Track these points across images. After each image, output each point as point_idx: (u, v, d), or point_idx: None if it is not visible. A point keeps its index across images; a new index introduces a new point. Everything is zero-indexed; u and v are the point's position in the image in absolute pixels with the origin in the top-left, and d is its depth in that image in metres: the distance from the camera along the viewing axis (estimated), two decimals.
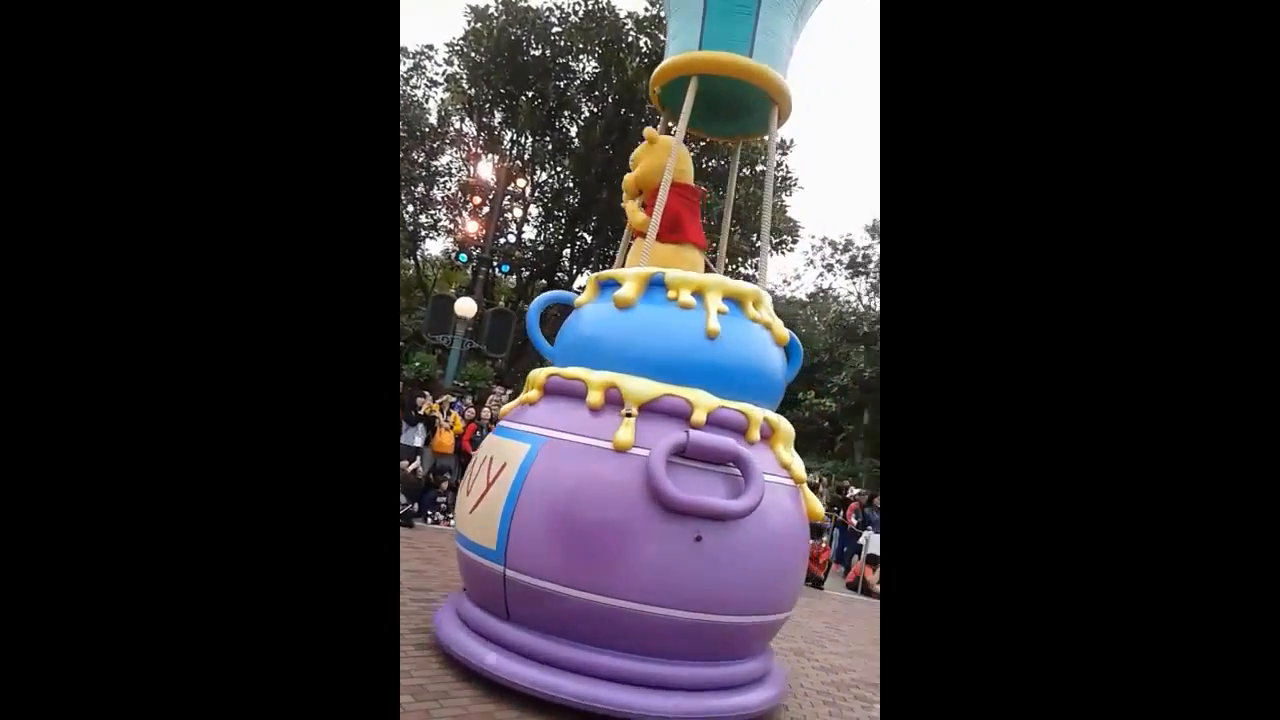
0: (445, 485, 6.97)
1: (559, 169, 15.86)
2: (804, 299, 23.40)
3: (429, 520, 6.79)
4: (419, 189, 15.64)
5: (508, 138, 15.33)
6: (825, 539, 8.61)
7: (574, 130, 15.05)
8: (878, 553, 8.43)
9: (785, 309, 16.21)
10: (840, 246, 22.93)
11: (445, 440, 7.03)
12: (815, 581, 7.98)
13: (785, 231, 15.55)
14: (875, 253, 21.82)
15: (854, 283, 22.89)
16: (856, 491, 11.67)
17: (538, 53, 14.08)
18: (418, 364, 10.50)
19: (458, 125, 16.10)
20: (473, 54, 14.42)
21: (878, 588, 8.19)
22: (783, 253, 16.26)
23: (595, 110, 14.69)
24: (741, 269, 14.35)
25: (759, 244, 5.40)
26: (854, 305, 22.01)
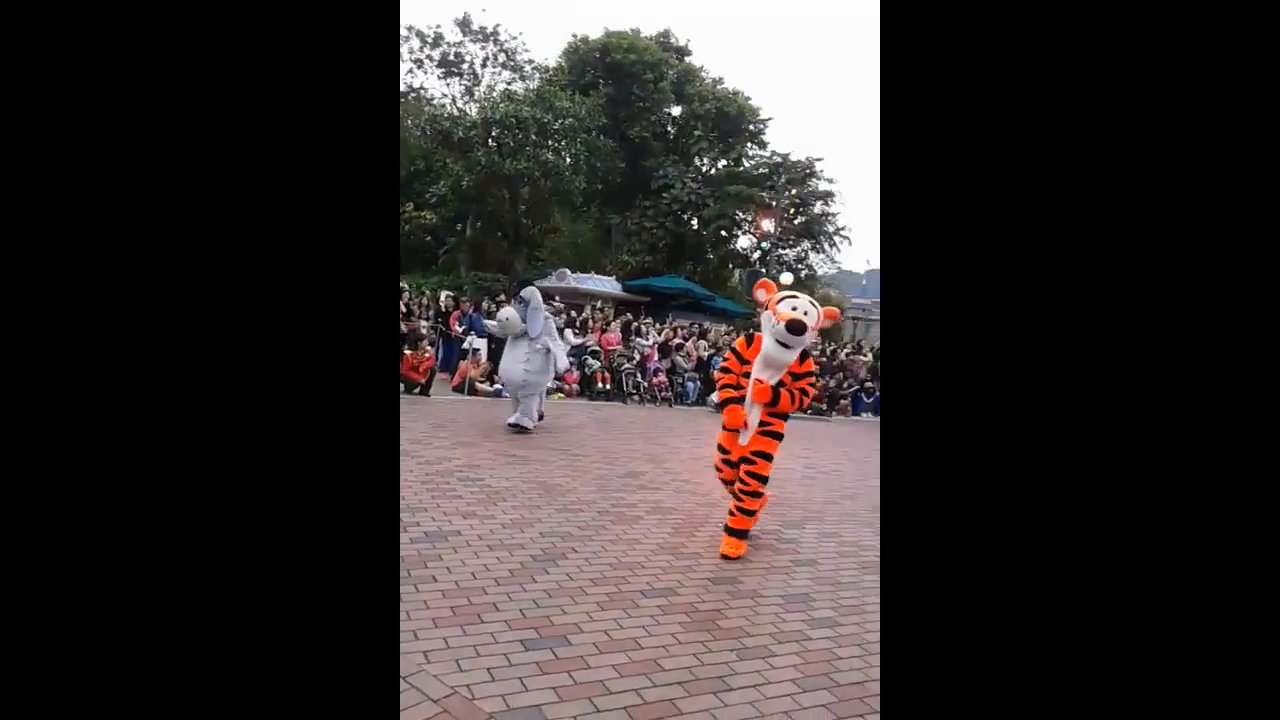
0: None
1: None
2: None
3: None
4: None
5: None
6: (428, 347, 8.86)
7: None
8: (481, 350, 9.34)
9: None
10: (430, 40, 20.87)
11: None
12: (422, 389, 8.08)
13: None
14: (468, 51, 20.71)
15: (447, 84, 21.61)
16: (464, 299, 11.40)
17: None
18: None
19: None
20: None
21: (482, 385, 8.77)
22: None
23: None
24: None
25: None
26: (449, 109, 20.19)
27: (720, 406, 3.93)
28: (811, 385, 3.95)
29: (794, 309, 3.68)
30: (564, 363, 7.22)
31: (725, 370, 3.95)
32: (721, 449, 3.94)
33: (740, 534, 3.82)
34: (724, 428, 3.91)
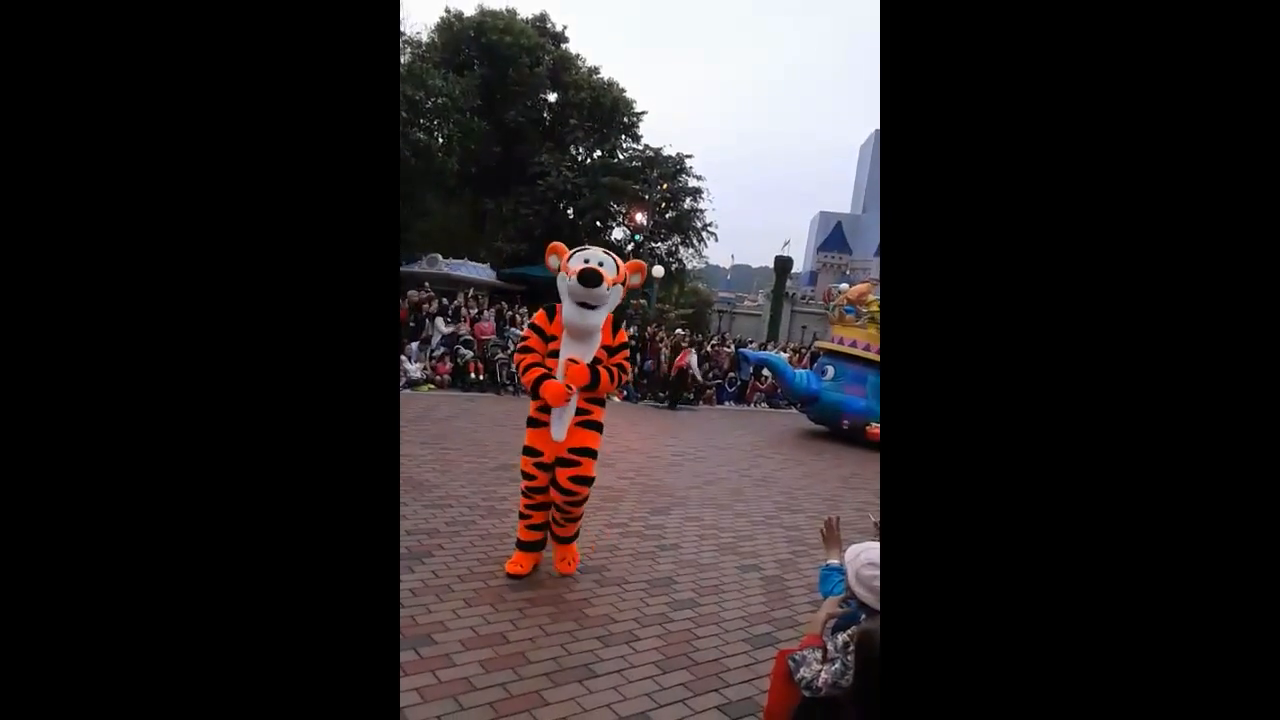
0: None
1: None
2: None
3: None
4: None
5: None
6: None
7: None
8: None
9: None
10: None
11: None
12: None
13: None
14: None
15: None
16: None
17: None
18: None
19: None
20: None
21: None
22: None
23: None
24: None
25: None
26: None
27: (534, 390, 3.06)
28: (628, 360, 3.27)
29: (586, 260, 3.04)
30: None
31: (526, 349, 3.16)
32: (531, 450, 3.13)
33: (571, 539, 3.34)
34: (532, 419, 3.14)
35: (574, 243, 3.63)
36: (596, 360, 3.11)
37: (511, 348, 10.74)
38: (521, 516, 3.23)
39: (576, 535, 3.39)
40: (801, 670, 1.72)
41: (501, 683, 2.27)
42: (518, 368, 3.12)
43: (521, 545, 3.24)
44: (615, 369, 3.17)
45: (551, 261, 3.20)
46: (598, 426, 3.20)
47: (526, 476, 3.16)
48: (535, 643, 2.59)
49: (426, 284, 12.41)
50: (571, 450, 3.10)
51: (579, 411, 3.13)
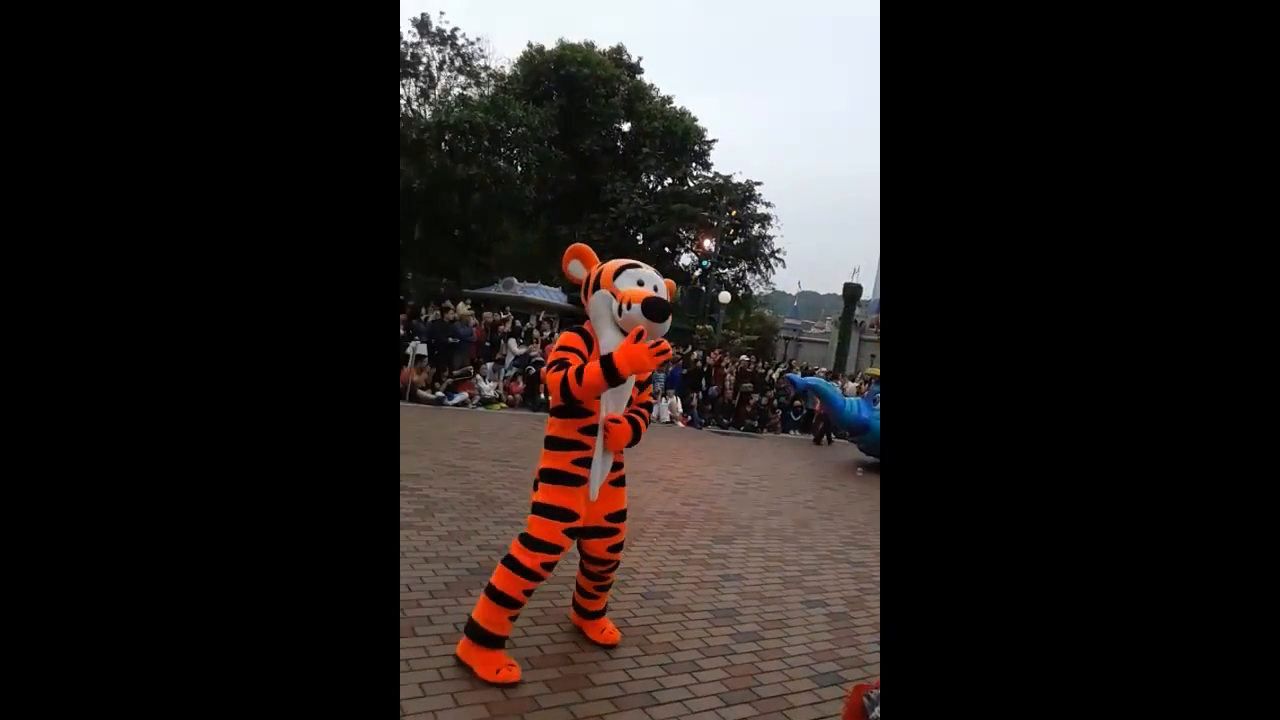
0: None
1: None
2: None
3: None
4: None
5: None
6: None
7: None
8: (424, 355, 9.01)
9: None
10: None
11: None
12: None
13: None
14: (425, 54, 21.38)
15: (403, 85, 20.70)
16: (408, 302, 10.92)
17: None
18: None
19: None
20: None
21: (424, 392, 9.56)
22: None
23: None
24: None
25: None
26: (403, 111, 19.69)
27: (608, 369, 2.17)
28: (646, 407, 2.62)
29: (640, 282, 2.36)
30: None
31: (562, 362, 2.30)
32: (565, 513, 2.34)
33: (605, 610, 2.84)
34: (564, 473, 2.36)
35: None
36: (630, 407, 2.52)
37: None
38: (511, 604, 2.33)
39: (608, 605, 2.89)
40: (875, 710, 1.67)
41: (566, 704, 2.29)
42: (560, 381, 2.27)
43: (499, 643, 2.37)
44: (647, 410, 2.59)
45: (574, 269, 2.48)
46: (625, 482, 2.66)
47: (546, 549, 2.31)
48: (599, 666, 2.59)
49: (507, 307, 12.81)
50: (608, 517, 2.54)
51: (615, 466, 2.57)
